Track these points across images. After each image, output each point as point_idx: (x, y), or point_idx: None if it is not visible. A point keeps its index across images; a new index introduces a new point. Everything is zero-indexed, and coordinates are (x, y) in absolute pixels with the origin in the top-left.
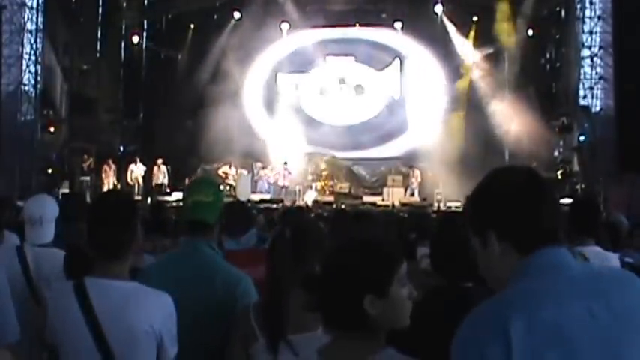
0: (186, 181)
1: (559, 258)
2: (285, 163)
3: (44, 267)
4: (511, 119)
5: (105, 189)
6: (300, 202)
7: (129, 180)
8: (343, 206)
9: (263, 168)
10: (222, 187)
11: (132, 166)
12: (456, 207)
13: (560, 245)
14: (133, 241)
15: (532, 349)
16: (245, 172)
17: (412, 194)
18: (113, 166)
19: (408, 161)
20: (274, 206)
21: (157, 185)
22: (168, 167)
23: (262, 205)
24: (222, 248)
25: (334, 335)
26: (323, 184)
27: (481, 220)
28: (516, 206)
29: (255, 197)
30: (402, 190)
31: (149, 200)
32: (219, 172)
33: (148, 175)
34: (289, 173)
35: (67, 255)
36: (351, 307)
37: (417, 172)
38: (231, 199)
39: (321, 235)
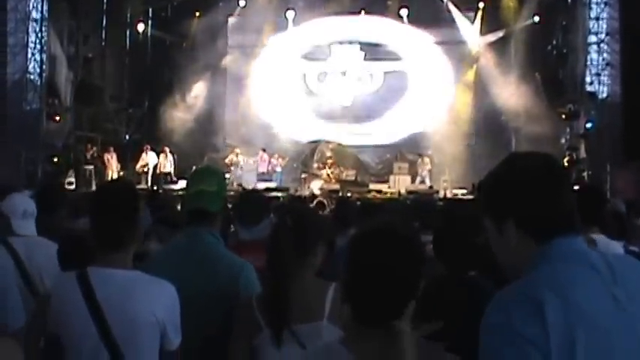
0: (193, 169)
1: (578, 246)
2: (264, 150)
3: (37, 257)
4: (517, 106)
5: (108, 178)
6: (305, 191)
7: (139, 168)
8: (349, 194)
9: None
10: (228, 176)
11: (143, 155)
12: (462, 194)
13: (578, 233)
14: (136, 231)
15: (567, 329)
16: (251, 160)
17: (422, 182)
18: (114, 155)
19: (415, 148)
20: (279, 195)
21: (162, 173)
22: (175, 156)
23: (267, 194)
24: (234, 237)
25: (361, 327)
26: (329, 171)
27: (498, 208)
28: (536, 193)
29: (261, 186)
30: (409, 177)
31: (155, 189)
32: (226, 160)
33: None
34: (270, 160)
35: (61, 245)
36: (386, 304)
37: (427, 160)
38: (240, 188)
39: (322, 224)
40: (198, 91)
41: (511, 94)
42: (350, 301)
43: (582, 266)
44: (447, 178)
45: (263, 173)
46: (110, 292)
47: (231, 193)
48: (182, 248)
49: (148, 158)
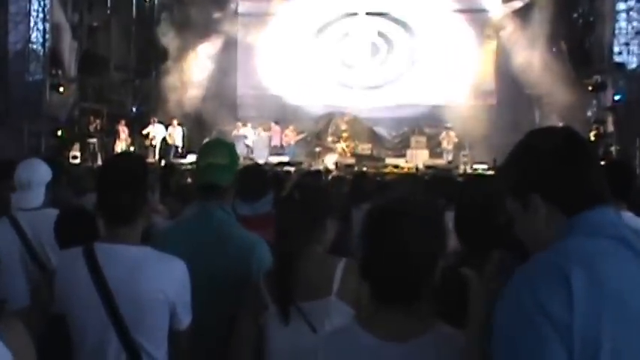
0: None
1: (608, 218)
2: (276, 123)
3: (43, 231)
4: (542, 77)
5: (118, 151)
6: (319, 165)
7: (146, 142)
8: (365, 169)
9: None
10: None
11: (150, 127)
12: (483, 169)
13: (608, 205)
14: (145, 205)
15: (592, 301)
16: (263, 133)
17: (442, 156)
18: (126, 129)
19: (433, 121)
20: (291, 169)
21: (171, 147)
22: (184, 128)
23: (280, 169)
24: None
25: (380, 306)
26: (344, 145)
27: (524, 183)
28: (564, 167)
29: (274, 159)
30: (426, 151)
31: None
32: (238, 132)
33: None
34: (282, 133)
35: (59, 219)
36: (404, 282)
37: (453, 134)
38: (249, 162)
39: (332, 199)
40: (209, 61)
41: (535, 64)
42: (367, 278)
43: (613, 240)
44: (467, 153)
45: (275, 147)
46: (118, 269)
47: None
48: (193, 223)
49: (156, 131)
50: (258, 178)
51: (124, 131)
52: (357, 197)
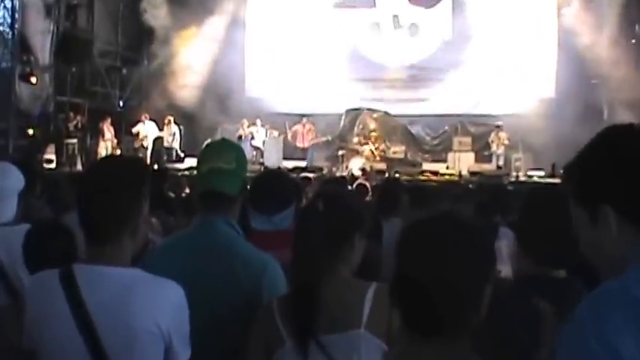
0: (205, 143)
1: None
2: (312, 123)
3: (17, 252)
4: (611, 67)
5: (102, 154)
6: (343, 171)
7: (136, 143)
8: (397, 175)
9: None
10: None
11: (140, 125)
12: (539, 177)
13: None
14: (138, 219)
15: None
16: (276, 132)
17: (490, 161)
18: (111, 127)
19: (479, 118)
20: (310, 176)
21: (165, 149)
22: (181, 127)
23: (296, 175)
24: (247, 227)
25: (412, 339)
26: (373, 147)
27: (594, 192)
28: None
29: (288, 164)
30: (472, 154)
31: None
32: (244, 132)
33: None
34: (308, 132)
35: (29, 234)
36: (442, 313)
37: (504, 135)
38: (258, 167)
39: (362, 210)
40: (211, 46)
41: (604, 52)
42: (398, 306)
43: None
44: (521, 157)
45: (299, 149)
46: (102, 295)
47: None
48: (191, 240)
49: (147, 129)
50: (281, 186)
51: (109, 130)
52: (386, 209)
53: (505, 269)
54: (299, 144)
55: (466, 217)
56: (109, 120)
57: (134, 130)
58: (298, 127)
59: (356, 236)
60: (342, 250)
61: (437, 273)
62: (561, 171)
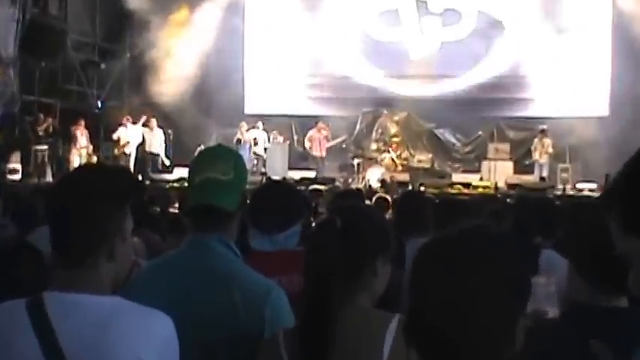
0: (198, 150)
1: None
2: (327, 125)
3: None
4: None
5: (75, 163)
6: (359, 183)
7: (116, 151)
8: (422, 187)
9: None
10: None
11: (121, 130)
12: (590, 190)
13: None
14: (115, 238)
15: None
16: (280, 137)
17: (532, 171)
18: (85, 130)
19: (519, 122)
20: (321, 188)
21: (150, 156)
22: (169, 131)
23: (304, 187)
24: (245, 247)
25: None
26: (394, 155)
27: None
28: None
29: (295, 175)
30: (510, 164)
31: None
32: (243, 137)
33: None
34: (324, 138)
35: None
36: (470, 351)
37: (547, 140)
38: (260, 177)
39: (387, 228)
40: (205, 37)
41: None
42: (415, 344)
43: None
44: (568, 166)
45: (315, 158)
46: (76, 328)
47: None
48: (181, 263)
49: (129, 134)
50: (286, 199)
51: (82, 134)
52: (406, 226)
53: (552, 310)
54: (315, 152)
55: (493, 234)
56: (83, 123)
57: (115, 135)
58: (313, 133)
59: (379, 260)
60: (362, 275)
61: (456, 307)
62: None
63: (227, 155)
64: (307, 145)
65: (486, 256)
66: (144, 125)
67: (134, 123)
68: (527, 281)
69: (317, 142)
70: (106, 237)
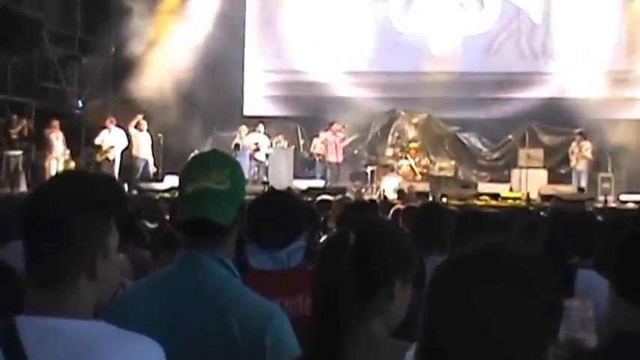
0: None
1: None
2: (343, 126)
3: None
4: None
5: (52, 171)
6: (373, 193)
7: (100, 155)
8: (444, 199)
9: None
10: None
11: (104, 133)
12: (636, 202)
13: None
14: (98, 255)
15: None
16: (285, 142)
17: (569, 181)
18: (61, 133)
19: (554, 123)
20: (331, 199)
21: (137, 161)
22: (159, 135)
23: (311, 198)
24: (243, 266)
25: None
26: (412, 162)
27: None
28: None
29: (300, 184)
30: (544, 172)
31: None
32: (243, 142)
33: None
34: (341, 141)
35: None
36: None
37: (586, 144)
38: (262, 187)
39: (408, 245)
40: (199, 28)
41: None
42: None
43: None
44: (610, 176)
45: (335, 165)
46: (54, 356)
47: (247, 197)
48: (172, 284)
49: (113, 139)
50: (289, 212)
51: (57, 138)
52: (425, 244)
53: (588, 338)
54: (331, 158)
55: (519, 251)
56: (58, 125)
57: (97, 139)
58: (327, 136)
59: (397, 282)
60: (377, 299)
61: (475, 333)
62: None
63: (223, 162)
64: (320, 149)
65: (510, 277)
66: (135, 127)
67: (118, 126)
68: (559, 304)
69: (333, 146)
70: (86, 253)
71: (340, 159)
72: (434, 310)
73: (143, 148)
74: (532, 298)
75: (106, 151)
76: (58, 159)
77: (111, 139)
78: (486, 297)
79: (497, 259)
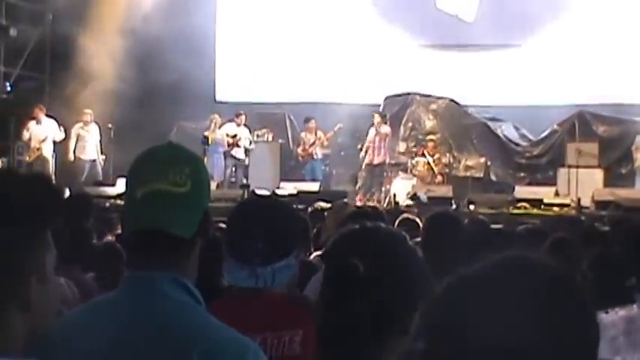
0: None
1: None
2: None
3: None
4: None
5: None
6: (381, 198)
7: (30, 153)
8: (472, 206)
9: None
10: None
11: (31, 126)
12: None
13: None
14: (31, 278)
15: None
16: (269, 135)
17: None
18: None
19: (607, 110)
20: (328, 206)
21: (77, 160)
22: (109, 125)
23: (302, 205)
24: (215, 286)
25: None
26: (430, 159)
27: None
28: None
29: (288, 187)
30: (600, 172)
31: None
32: (218, 133)
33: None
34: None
35: None
36: None
37: None
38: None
39: (423, 271)
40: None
41: None
42: None
43: None
44: None
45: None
46: None
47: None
48: (117, 312)
49: (43, 131)
50: (275, 220)
51: None
52: (436, 263)
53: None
54: (371, 159)
55: (542, 268)
56: None
57: (25, 133)
58: (303, 135)
59: (415, 314)
60: (391, 337)
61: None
62: None
63: (182, 158)
64: (268, 136)
65: (522, 300)
66: (80, 120)
67: (49, 116)
68: (597, 327)
69: (376, 144)
70: (16, 277)
71: (384, 159)
72: (431, 336)
73: (89, 146)
74: (553, 324)
75: (38, 148)
76: None
77: (40, 132)
78: (488, 324)
79: (508, 281)
